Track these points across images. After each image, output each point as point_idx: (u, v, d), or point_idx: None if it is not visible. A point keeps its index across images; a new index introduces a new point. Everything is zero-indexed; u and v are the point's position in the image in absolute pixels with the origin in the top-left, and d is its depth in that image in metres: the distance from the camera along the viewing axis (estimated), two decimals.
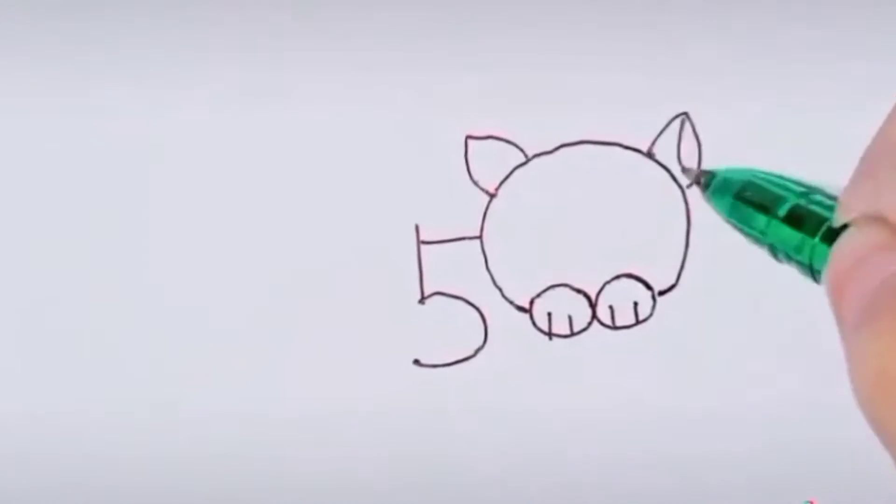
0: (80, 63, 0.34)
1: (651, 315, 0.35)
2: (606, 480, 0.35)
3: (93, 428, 0.35)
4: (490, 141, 0.35)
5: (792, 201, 0.31)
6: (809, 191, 0.32)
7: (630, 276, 0.35)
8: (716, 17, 0.35)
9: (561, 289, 0.35)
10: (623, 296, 0.35)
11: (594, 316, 0.35)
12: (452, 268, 0.35)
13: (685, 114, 0.35)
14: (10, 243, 0.34)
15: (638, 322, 0.35)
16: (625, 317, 0.35)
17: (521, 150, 0.35)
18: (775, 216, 0.31)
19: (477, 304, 0.35)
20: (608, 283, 0.35)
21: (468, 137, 0.35)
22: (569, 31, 0.35)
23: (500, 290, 0.35)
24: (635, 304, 0.35)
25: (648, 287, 0.35)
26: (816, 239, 0.29)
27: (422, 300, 0.35)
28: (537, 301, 0.35)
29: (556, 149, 0.35)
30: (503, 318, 0.35)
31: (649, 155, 0.35)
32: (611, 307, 0.35)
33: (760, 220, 0.32)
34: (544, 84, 0.35)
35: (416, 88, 0.35)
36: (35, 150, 0.34)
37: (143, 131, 0.35)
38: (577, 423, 0.35)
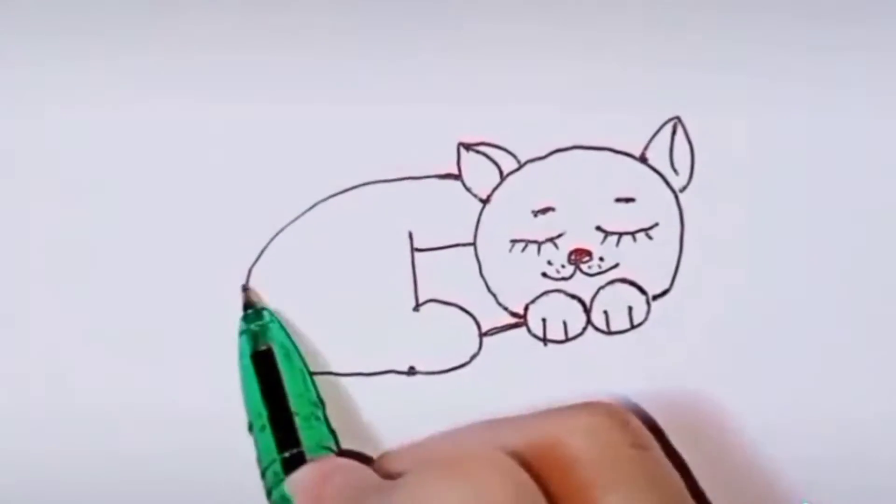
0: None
1: (646, 319, 0.35)
2: None
3: None
4: (483, 147, 0.35)
5: (288, 407, 0.31)
6: (314, 406, 0.32)
7: (624, 280, 0.35)
8: (708, 21, 0.35)
9: (555, 294, 0.35)
10: (617, 301, 0.35)
11: (589, 321, 0.35)
12: (447, 275, 0.35)
13: (677, 118, 0.35)
14: None
15: (633, 327, 0.35)
16: (619, 322, 0.35)
17: (514, 155, 0.35)
18: (269, 403, 0.31)
19: (471, 311, 0.35)
20: (602, 288, 0.35)
21: (461, 144, 0.35)
22: (562, 35, 0.35)
23: (495, 296, 0.35)
24: (630, 308, 0.35)
25: (643, 291, 0.35)
26: (283, 454, 0.30)
27: (416, 307, 0.35)
28: (532, 307, 0.35)
29: (549, 154, 0.35)
30: (498, 325, 0.35)
31: (642, 159, 0.35)
32: (605, 312, 0.35)
33: (255, 395, 0.32)
34: (537, 89, 0.35)
35: (408, 95, 0.35)
36: None
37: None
38: None
